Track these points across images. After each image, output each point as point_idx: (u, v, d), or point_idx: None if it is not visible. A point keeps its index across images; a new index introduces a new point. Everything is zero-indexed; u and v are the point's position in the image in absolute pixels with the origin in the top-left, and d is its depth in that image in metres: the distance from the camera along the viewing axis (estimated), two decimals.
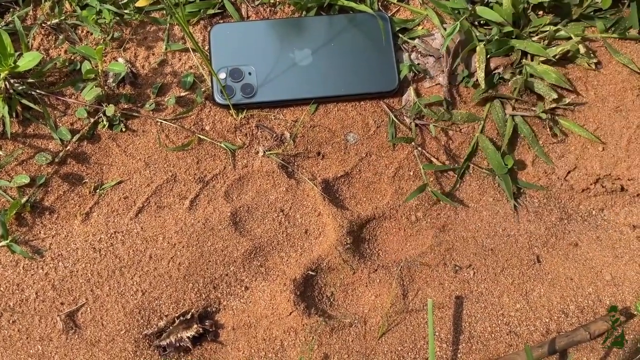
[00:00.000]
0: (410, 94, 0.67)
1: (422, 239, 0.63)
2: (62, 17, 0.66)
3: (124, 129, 0.64)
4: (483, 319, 0.60)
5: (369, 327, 0.59)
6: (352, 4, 0.68)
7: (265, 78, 0.65)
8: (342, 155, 0.65)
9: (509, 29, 0.68)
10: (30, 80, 0.63)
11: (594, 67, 0.69)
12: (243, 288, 0.60)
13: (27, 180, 0.60)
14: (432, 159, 0.65)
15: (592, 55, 0.69)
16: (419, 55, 0.68)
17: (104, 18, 0.66)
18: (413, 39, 0.69)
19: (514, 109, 0.67)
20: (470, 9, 0.68)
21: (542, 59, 0.68)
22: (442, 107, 0.67)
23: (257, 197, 0.63)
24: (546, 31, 0.69)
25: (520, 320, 0.60)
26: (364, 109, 0.67)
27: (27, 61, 0.60)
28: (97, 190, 0.62)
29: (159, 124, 0.64)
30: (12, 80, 0.62)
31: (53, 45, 0.66)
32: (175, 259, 0.60)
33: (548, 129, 0.67)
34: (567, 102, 0.67)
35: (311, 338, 0.58)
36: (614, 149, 0.66)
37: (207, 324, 0.58)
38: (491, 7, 0.69)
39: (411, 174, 0.65)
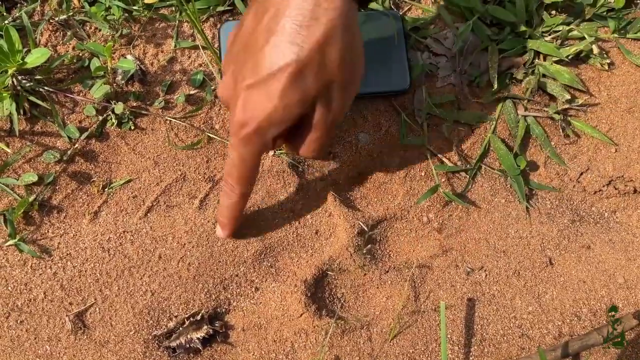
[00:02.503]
0: (422, 93, 0.66)
1: (434, 240, 0.63)
2: (70, 13, 0.65)
3: (132, 127, 0.63)
4: (495, 321, 0.60)
5: (381, 328, 0.59)
6: None
7: None
8: (353, 155, 0.65)
9: (522, 28, 0.67)
10: (38, 77, 0.62)
11: (606, 67, 0.68)
12: (253, 289, 0.59)
13: (35, 179, 0.60)
14: (444, 159, 0.65)
15: (605, 55, 0.68)
16: (431, 54, 0.68)
17: (112, 14, 0.65)
18: (425, 38, 0.68)
19: (526, 109, 0.67)
20: (483, 8, 0.68)
21: (555, 59, 0.67)
22: (454, 107, 0.66)
23: (268, 197, 0.62)
24: (559, 31, 0.68)
25: (532, 323, 0.60)
26: (375, 109, 0.66)
27: (35, 57, 0.59)
28: (106, 189, 0.61)
29: (168, 122, 0.64)
30: (19, 77, 0.61)
31: (61, 42, 0.65)
32: (185, 259, 0.59)
33: (560, 130, 0.66)
34: (579, 102, 0.67)
35: (322, 340, 0.57)
36: (626, 150, 0.66)
37: (217, 325, 0.57)
38: (504, 7, 0.68)
39: (422, 174, 0.64)
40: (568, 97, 0.66)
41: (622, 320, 0.58)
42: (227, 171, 0.54)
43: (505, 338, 0.59)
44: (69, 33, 0.65)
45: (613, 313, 0.58)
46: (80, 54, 0.65)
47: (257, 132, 0.49)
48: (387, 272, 0.61)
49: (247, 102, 0.48)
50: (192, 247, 0.60)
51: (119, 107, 0.62)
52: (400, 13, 0.68)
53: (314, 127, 0.50)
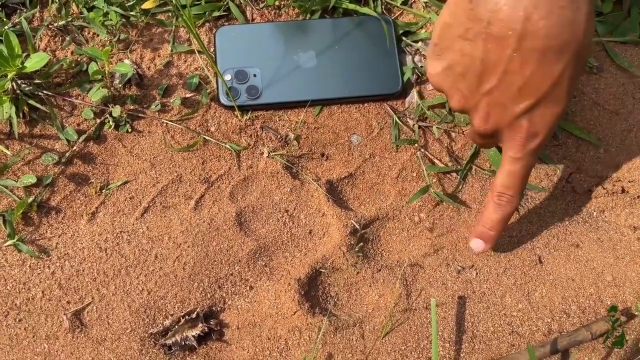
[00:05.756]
0: (413, 96, 0.68)
1: (425, 239, 0.64)
2: (69, 19, 0.67)
3: (129, 130, 0.65)
4: (485, 319, 0.61)
5: (373, 326, 0.60)
6: (356, 7, 0.69)
7: (270, 80, 0.66)
8: (346, 156, 0.66)
9: None
10: (37, 81, 0.64)
11: (594, 70, 0.70)
12: (248, 287, 0.61)
13: (33, 180, 0.61)
14: (435, 160, 0.66)
15: (592, 58, 0.70)
16: (422, 58, 0.69)
17: (110, 20, 0.67)
18: (416, 42, 0.69)
19: None
20: None
21: None
22: (444, 109, 0.67)
23: (262, 197, 0.64)
24: None
25: (522, 320, 0.61)
26: (367, 111, 0.67)
27: (35, 62, 0.61)
28: (103, 190, 0.63)
29: (164, 124, 0.65)
30: (19, 81, 0.62)
31: (60, 47, 0.67)
32: (181, 258, 0.60)
33: None
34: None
35: (315, 337, 0.58)
36: (614, 151, 0.67)
37: (212, 323, 0.58)
38: None
39: (414, 175, 0.66)
40: None
41: (620, 320, 0.59)
42: (507, 184, 0.54)
43: (495, 335, 0.60)
44: (67, 38, 0.67)
45: (613, 313, 0.59)
46: (79, 59, 0.66)
47: (550, 135, 0.51)
48: (379, 270, 0.62)
49: (534, 117, 0.49)
50: (188, 246, 0.61)
51: (116, 110, 0.63)
52: (392, 18, 0.70)
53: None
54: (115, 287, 0.59)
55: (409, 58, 0.69)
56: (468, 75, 0.50)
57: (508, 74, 0.47)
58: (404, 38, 0.69)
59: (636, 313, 0.61)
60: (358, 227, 0.62)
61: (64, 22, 0.67)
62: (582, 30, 0.45)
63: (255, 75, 0.66)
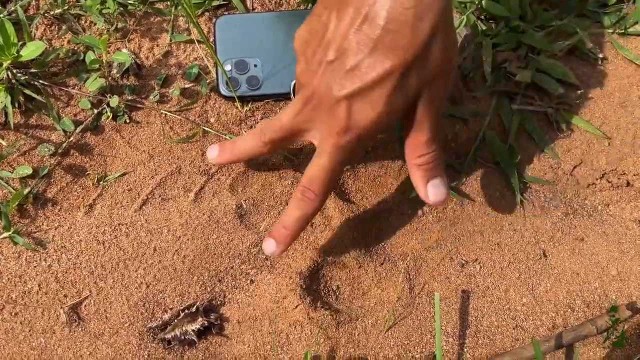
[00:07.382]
0: None
1: (428, 232, 0.63)
2: (65, 7, 0.66)
3: (128, 121, 0.63)
4: (489, 313, 0.60)
5: (375, 320, 0.59)
6: None
7: (270, 70, 0.65)
8: None
9: (515, 23, 0.68)
10: (33, 70, 0.62)
11: (599, 62, 0.69)
12: (248, 281, 0.60)
13: (29, 172, 0.60)
14: None
15: (598, 50, 0.69)
16: None
17: (108, 8, 0.65)
18: None
19: (520, 103, 0.67)
20: (476, 2, 0.68)
21: (548, 53, 0.68)
22: (448, 101, 0.66)
23: (263, 190, 0.63)
24: (553, 26, 0.69)
25: (526, 315, 0.60)
26: None
27: (31, 51, 0.59)
28: (101, 182, 0.61)
29: (163, 115, 0.64)
30: (14, 70, 0.61)
31: (56, 36, 0.65)
32: (180, 251, 0.59)
33: (554, 124, 0.67)
34: (573, 97, 0.67)
35: (317, 332, 0.57)
36: (619, 144, 0.66)
37: (212, 317, 0.57)
38: (497, 1, 0.69)
39: None
40: (562, 91, 0.66)
41: (621, 318, 0.58)
42: (312, 177, 0.51)
43: (499, 329, 0.59)
44: (64, 27, 0.65)
45: (613, 313, 0.58)
46: (75, 48, 0.65)
47: (359, 140, 0.48)
48: (382, 264, 0.61)
49: (350, 110, 0.47)
50: (187, 239, 0.60)
51: (114, 101, 0.62)
52: None
53: (418, 127, 0.49)
54: (114, 281, 0.58)
55: None
56: (313, 41, 0.49)
57: (345, 51, 0.46)
58: None
59: None
60: (360, 220, 0.61)
61: (60, 10, 0.65)
62: (420, 45, 0.44)
63: (255, 66, 0.65)
